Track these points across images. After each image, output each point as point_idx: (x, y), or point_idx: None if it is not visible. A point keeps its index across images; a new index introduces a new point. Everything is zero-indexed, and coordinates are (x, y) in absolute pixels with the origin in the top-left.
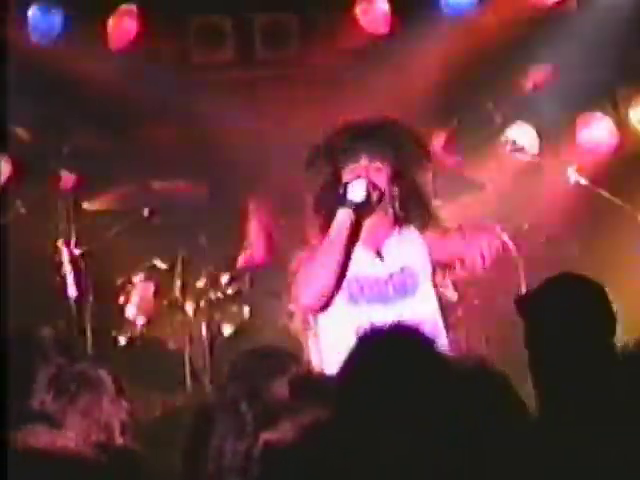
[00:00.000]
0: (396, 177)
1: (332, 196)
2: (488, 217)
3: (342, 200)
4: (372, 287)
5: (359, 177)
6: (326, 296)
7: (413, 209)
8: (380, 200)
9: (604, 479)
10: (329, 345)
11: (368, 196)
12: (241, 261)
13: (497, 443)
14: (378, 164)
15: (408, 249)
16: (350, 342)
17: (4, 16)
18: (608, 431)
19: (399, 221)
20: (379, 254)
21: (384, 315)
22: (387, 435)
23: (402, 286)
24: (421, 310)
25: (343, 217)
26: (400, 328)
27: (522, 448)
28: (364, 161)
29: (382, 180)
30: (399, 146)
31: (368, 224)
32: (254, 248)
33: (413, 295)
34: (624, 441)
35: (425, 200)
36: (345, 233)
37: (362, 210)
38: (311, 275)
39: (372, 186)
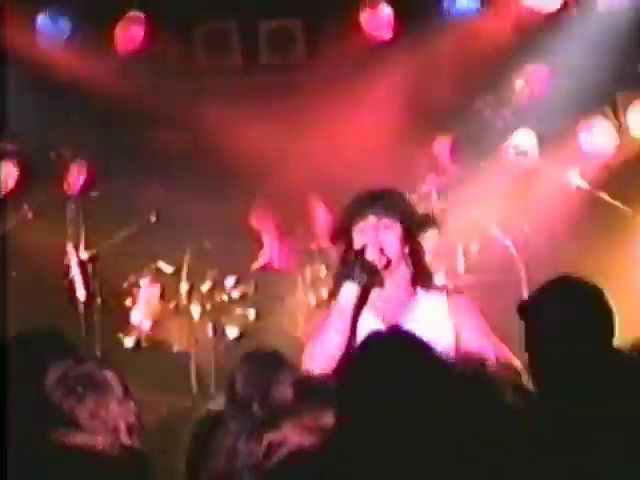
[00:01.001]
0: (407, 236)
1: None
2: (491, 222)
3: (350, 273)
4: None
5: (368, 240)
6: (334, 361)
7: (421, 270)
8: (388, 266)
9: (604, 478)
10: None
11: (375, 268)
12: (255, 266)
13: (497, 443)
14: (387, 221)
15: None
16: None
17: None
18: (607, 431)
19: (416, 282)
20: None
21: None
22: (387, 436)
23: None
24: None
25: (349, 291)
26: (400, 333)
27: (521, 449)
28: (372, 219)
29: (392, 239)
30: (404, 209)
31: (383, 294)
32: (269, 255)
33: None
34: (623, 440)
35: (426, 264)
36: (351, 305)
37: (371, 280)
38: (321, 343)
39: (380, 252)
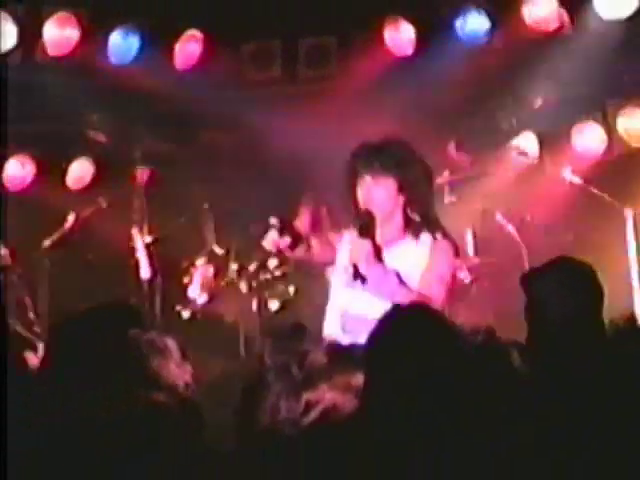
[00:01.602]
0: (402, 188)
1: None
2: (497, 211)
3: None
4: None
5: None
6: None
7: (418, 214)
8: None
9: (593, 443)
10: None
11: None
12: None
13: (503, 400)
14: (381, 179)
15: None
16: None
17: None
18: (597, 394)
19: (408, 227)
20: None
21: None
22: (411, 395)
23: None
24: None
25: (346, 241)
26: (418, 307)
27: (520, 411)
28: (368, 179)
29: (384, 195)
30: (404, 162)
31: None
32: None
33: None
34: (612, 405)
35: (427, 208)
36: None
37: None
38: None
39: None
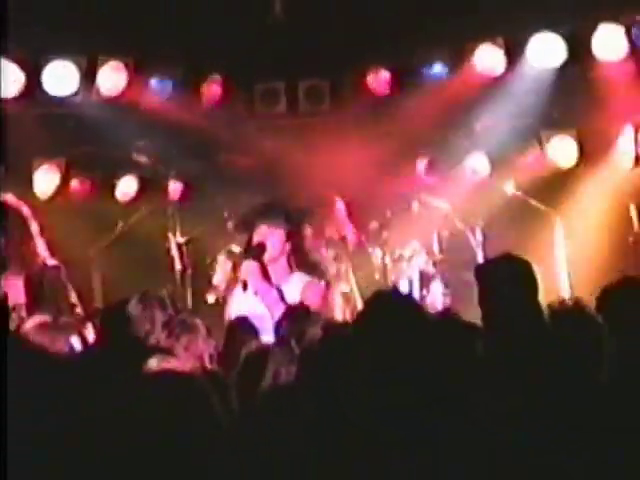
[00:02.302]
0: (289, 236)
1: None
2: (456, 218)
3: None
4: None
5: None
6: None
7: (300, 257)
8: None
9: (541, 410)
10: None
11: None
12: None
13: (458, 377)
14: (273, 228)
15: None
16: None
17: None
18: (540, 363)
19: (292, 267)
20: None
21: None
22: (392, 358)
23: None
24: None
25: (248, 266)
26: (398, 292)
27: (477, 381)
28: (264, 227)
29: (276, 240)
30: (288, 217)
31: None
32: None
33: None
34: (551, 371)
35: (305, 251)
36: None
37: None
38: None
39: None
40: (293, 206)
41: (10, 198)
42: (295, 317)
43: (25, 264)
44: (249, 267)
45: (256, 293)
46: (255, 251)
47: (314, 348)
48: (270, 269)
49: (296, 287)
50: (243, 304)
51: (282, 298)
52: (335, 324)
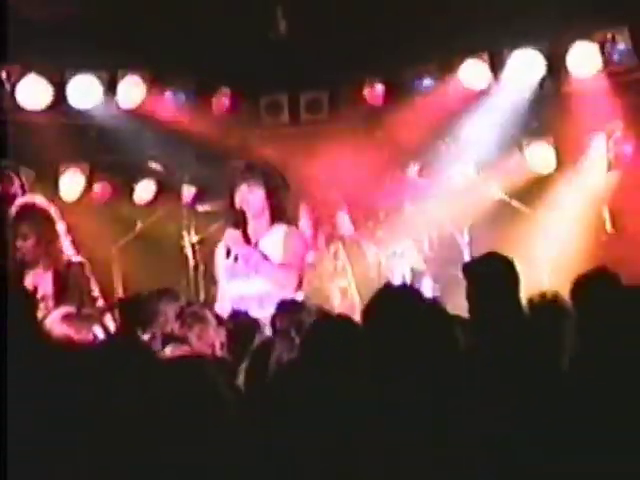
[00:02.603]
0: (268, 195)
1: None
2: (445, 219)
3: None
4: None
5: (242, 201)
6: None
7: (280, 212)
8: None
9: (522, 394)
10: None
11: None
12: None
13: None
14: (254, 187)
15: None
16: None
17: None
18: (521, 350)
19: (273, 220)
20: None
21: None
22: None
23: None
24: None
25: (230, 233)
26: (403, 286)
27: (460, 370)
28: (244, 187)
29: (256, 199)
30: (267, 177)
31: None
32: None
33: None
34: (531, 356)
35: (285, 209)
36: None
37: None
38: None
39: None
40: (272, 167)
41: (39, 200)
42: (291, 309)
43: (53, 260)
44: (231, 235)
45: (236, 259)
46: (235, 217)
47: (308, 333)
48: (251, 225)
49: (278, 237)
50: (243, 287)
51: (265, 258)
52: (328, 312)
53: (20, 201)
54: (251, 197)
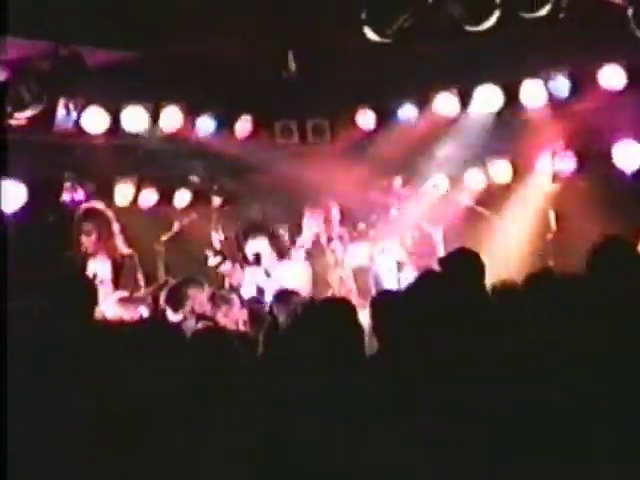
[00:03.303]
0: (272, 244)
1: None
2: (424, 221)
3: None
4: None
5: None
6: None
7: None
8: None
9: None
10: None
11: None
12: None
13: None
14: (260, 241)
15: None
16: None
17: None
18: (489, 330)
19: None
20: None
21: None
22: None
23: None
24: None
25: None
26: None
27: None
28: (257, 240)
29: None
30: (271, 234)
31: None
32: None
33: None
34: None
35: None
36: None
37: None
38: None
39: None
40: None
41: (99, 205)
42: (285, 299)
43: (109, 253)
44: (254, 272)
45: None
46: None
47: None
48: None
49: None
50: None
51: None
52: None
53: (84, 206)
54: (260, 248)
